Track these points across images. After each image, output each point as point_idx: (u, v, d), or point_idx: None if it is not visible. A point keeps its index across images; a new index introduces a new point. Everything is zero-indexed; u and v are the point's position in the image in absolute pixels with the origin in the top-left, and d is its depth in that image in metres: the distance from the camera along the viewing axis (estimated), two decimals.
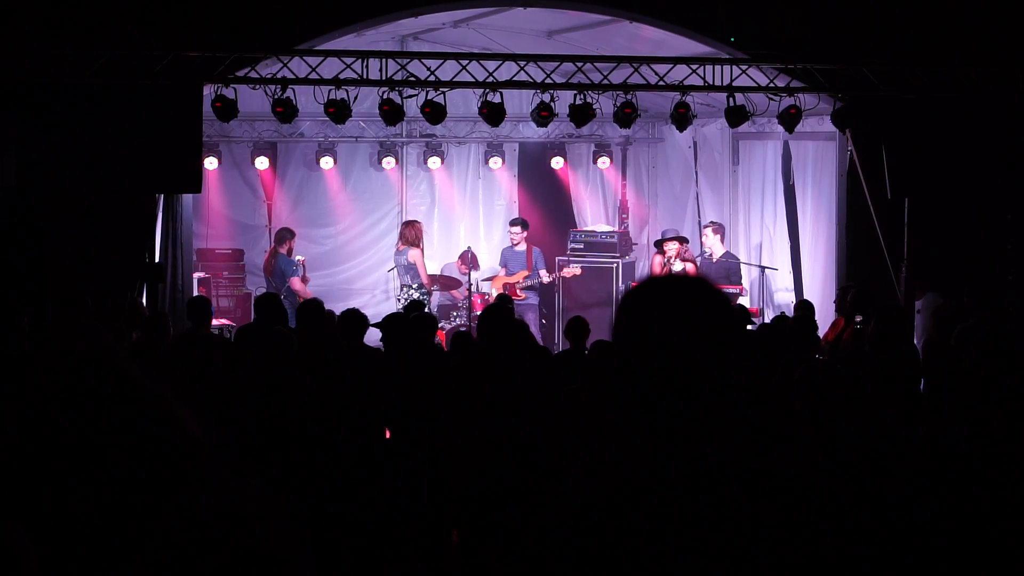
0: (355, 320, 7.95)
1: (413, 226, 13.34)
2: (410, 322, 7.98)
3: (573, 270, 13.47)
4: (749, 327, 10.02)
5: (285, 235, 13.31)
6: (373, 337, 10.32)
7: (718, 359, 1.90)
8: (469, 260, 13.84)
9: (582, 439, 5.17)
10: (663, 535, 1.81)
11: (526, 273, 13.36)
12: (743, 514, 1.83)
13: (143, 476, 1.83)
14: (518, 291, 13.23)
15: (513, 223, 13.70)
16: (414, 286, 13.00)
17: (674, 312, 1.92)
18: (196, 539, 1.81)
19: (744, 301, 12.61)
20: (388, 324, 7.97)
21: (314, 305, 8.09)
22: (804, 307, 9.99)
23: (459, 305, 13.76)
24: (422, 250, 13.16)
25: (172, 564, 1.79)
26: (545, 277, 13.32)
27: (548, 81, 11.07)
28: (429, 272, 13.31)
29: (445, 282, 13.85)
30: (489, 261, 15.06)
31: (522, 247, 13.51)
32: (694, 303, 1.93)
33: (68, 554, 1.79)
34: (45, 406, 1.84)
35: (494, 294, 13.22)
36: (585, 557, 1.83)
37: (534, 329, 13.17)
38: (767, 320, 11.83)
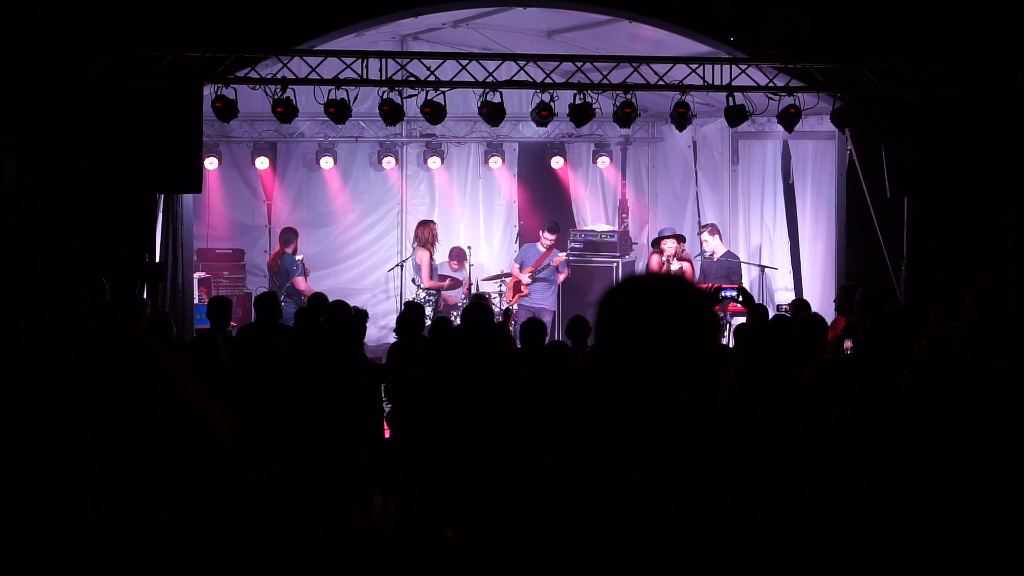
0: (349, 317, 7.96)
1: (426, 227, 13.34)
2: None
3: (560, 257, 13.37)
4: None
5: (290, 236, 13.37)
6: (374, 336, 10.29)
7: (693, 357, 1.90)
8: (457, 256, 13.86)
9: (565, 438, 5.19)
10: (644, 531, 1.83)
11: (531, 269, 13.26)
12: (722, 510, 1.84)
13: (165, 467, 1.84)
14: (524, 287, 13.21)
15: (551, 230, 13.30)
16: (421, 286, 13.07)
17: (650, 312, 1.93)
18: (216, 532, 1.82)
19: None
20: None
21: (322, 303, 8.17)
22: (804, 307, 9.98)
23: (458, 305, 13.76)
24: (431, 251, 13.17)
25: (192, 556, 1.80)
26: (557, 260, 13.17)
27: (548, 81, 11.08)
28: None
29: (448, 283, 13.83)
30: (489, 260, 15.07)
31: (543, 248, 13.36)
32: (670, 303, 1.93)
33: (85, 546, 1.79)
34: (64, 396, 1.84)
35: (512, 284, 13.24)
36: (570, 554, 1.84)
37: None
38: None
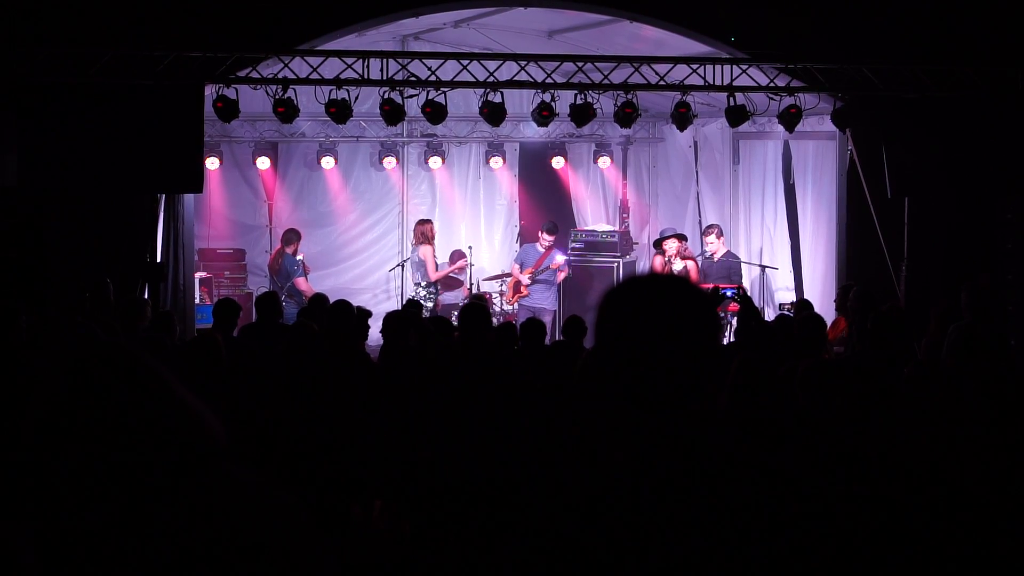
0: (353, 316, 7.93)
1: (424, 225, 13.39)
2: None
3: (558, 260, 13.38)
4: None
5: (292, 237, 13.38)
6: (376, 336, 10.14)
7: (694, 357, 1.91)
8: (457, 260, 13.86)
9: (566, 438, 5.21)
10: (645, 531, 1.83)
11: (531, 270, 13.27)
12: (723, 510, 1.85)
13: (157, 470, 1.85)
14: (523, 287, 13.21)
15: (549, 231, 13.30)
16: (422, 284, 13.07)
17: (650, 311, 1.93)
18: (210, 534, 1.83)
19: None
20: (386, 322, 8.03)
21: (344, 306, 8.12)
22: (806, 306, 10.00)
23: (460, 304, 13.78)
24: (433, 248, 13.20)
25: (185, 557, 1.81)
26: (556, 264, 13.16)
27: (549, 81, 11.09)
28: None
29: (447, 282, 13.86)
30: (489, 260, 15.07)
31: (542, 248, 13.36)
32: (671, 302, 1.94)
33: (80, 548, 1.80)
34: (58, 400, 1.86)
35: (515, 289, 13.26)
36: (571, 554, 1.85)
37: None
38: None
